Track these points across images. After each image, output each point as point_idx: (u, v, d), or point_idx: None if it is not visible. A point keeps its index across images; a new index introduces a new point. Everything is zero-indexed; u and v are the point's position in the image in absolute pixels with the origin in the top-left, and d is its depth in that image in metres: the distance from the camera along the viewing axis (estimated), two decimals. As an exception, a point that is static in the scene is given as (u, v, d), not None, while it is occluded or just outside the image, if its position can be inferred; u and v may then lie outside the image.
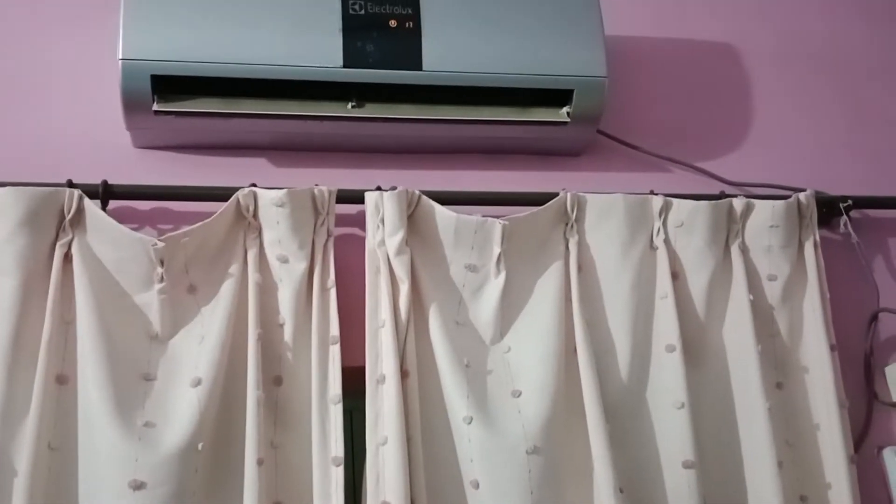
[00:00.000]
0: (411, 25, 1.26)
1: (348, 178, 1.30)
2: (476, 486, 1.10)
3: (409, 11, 1.27)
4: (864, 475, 1.24)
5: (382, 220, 1.20)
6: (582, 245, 1.27)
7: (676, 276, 1.27)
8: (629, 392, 1.20)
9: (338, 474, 1.07)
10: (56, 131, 1.29)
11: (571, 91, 1.30)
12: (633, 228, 1.27)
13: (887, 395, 1.29)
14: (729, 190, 1.36)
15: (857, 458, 1.24)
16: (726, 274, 1.29)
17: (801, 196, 1.32)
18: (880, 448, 1.27)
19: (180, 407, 1.07)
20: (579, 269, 1.25)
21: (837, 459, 1.19)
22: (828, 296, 1.27)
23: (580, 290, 1.23)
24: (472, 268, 1.23)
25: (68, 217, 1.13)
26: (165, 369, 1.12)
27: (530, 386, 1.16)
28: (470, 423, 1.12)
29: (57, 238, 1.13)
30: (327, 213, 1.21)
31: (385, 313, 1.15)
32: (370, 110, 1.27)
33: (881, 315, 1.34)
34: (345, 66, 1.23)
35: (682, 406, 1.17)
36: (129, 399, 1.07)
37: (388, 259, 1.18)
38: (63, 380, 1.08)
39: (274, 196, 1.17)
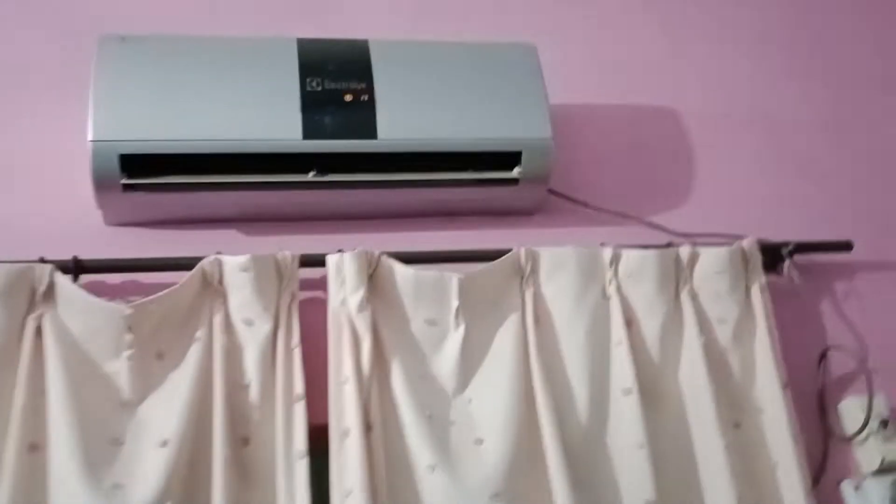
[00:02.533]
0: (366, 98, 1.34)
1: (313, 243, 1.35)
2: (442, 532, 1.12)
3: (363, 86, 1.35)
4: (828, 509, 1.27)
5: (344, 281, 1.25)
6: (537, 297, 1.32)
7: (630, 323, 1.33)
8: (589, 435, 1.24)
9: (307, 526, 1.10)
10: (28, 211, 1.35)
11: (520, 153, 1.38)
12: (585, 279, 1.33)
13: (842, 431, 1.33)
14: (676, 240, 1.42)
15: (817, 493, 1.27)
16: (678, 319, 1.34)
17: (744, 243, 1.39)
18: (838, 482, 1.30)
19: (148, 467, 1.10)
20: (536, 320, 1.30)
21: (796, 495, 1.22)
22: (777, 336, 1.33)
23: (537, 340, 1.27)
24: (431, 322, 1.28)
25: (40, 291, 1.18)
26: (134, 433, 1.15)
27: (492, 434, 1.20)
28: (433, 471, 1.15)
29: (28, 312, 1.17)
30: (291, 277, 1.26)
31: (348, 369, 1.19)
32: (330, 178, 1.34)
33: (830, 353, 1.39)
34: (304, 138, 1.30)
35: (642, 447, 1.21)
36: (99, 463, 1.09)
37: (350, 317, 1.23)
38: (34, 448, 1.10)
39: (239, 262, 1.22)
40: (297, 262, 1.27)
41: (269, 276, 1.24)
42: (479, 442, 1.20)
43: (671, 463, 1.25)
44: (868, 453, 1.30)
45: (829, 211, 1.56)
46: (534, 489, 1.18)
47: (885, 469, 1.28)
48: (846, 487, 1.29)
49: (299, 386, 1.19)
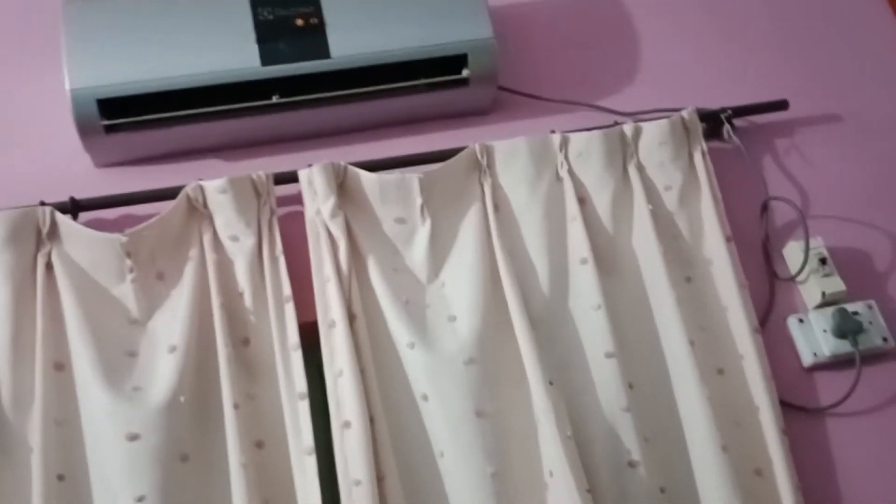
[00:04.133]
0: (315, 21, 1.45)
1: (286, 162, 1.50)
2: (425, 398, 1.28)
3: (312, 9, 1.45)
4: (775, 344, 1.41)
5: (316, 192, 1.38)
6: (495, 187, 1.44)
7: (583, 200, 1.44)
8: (551, 303, 1.37)
9: (304, 407, 1.25)
10: (23, 161, 1.49)
11: (465, 55, 1.47)
12: (538, 165, 1.44)
13: (786, 272, 1.45)
14: (621, 120, 1.53)
15: (767, 330, 1.41)
16: (627, 191, 1.46)
17: (684, 113, 1.49)
18: (785, 318, 1.42)
19: (161, 370, 1.25)
20: (495, 207, 1.42)
21: (744, 333, 1.35)
22: (720, 195, 1.44)
23: (498, 225, 1.40)
24: (400, 220, 1.41)
25: (44, 231, 1.32)
26: (146, 345, 1.30)
27: (463, 311, 1.34)
28: (413, 347, 1.30)
29: (38, 250, 1.32)
30: (268, 194, 1.39)
31: (329, 270, 1.33)
32: (292, 100, 1.45)
33: (771, 203, 1.50)
34: (263, 65, 1.42)
35: (599, 307, 1.34)
36: (118, 372, 1.25)
37: (325, 224, 1.36)
38: (59, 366, 1.26)
39: (217, 185, 1.35)
40: (271, 180, 1.39)
41: (248, 195, 1.37)
42: (453, 319, 1.34)
43: (628, 320, 1.38)
44: (810, 290, 1.42)
45: (764, 74, 1.65)
46: (504, 354, 1.32)
47: (826, 303, 1.40)
48: (792, 322, 1.41)
49: (287, 288, 1.33)
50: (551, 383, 1.28)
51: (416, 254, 1.40)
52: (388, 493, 1.21)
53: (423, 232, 1.40)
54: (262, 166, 1.43)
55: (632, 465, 1.26)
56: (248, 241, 1.35)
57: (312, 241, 1.37)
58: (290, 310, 1.31)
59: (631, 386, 1.31)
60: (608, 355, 1.31)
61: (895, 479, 1.32)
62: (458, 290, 1.36)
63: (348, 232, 1.37)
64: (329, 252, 1.34)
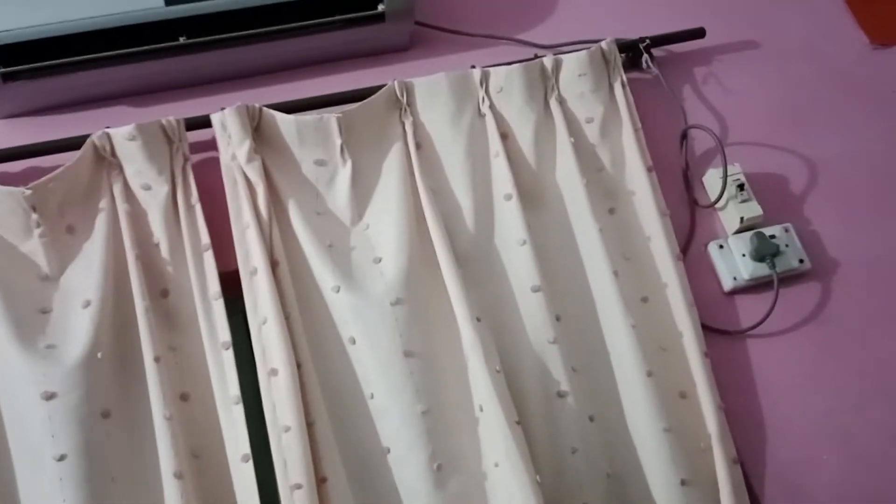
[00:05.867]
0: (221, -43, 1.38)
1: (200, 107, 1.44)
2: (353, 341, 1.27)
3: (216, -56, 1.38)
4: (697, 270, 1.43)
5: (230, 136, 1.33)
6: (417, 125, 1.42)
7: (505, 135, 1.43)
8: (477, 240, 1.37)
9: (228, 357, 1.23)
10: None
11: (380, -11, 1.44)
12: (459, 102, 1.42)
13: (706, 200, 1.47)
14: (542, 53, 1.51)
15: (689, 257, 1.43)
16: (549, 125, 1.45)
17: (603, 43, 1.48)
18: (706, 245, 1.45)
19: (76, 327, 1.21)
20: (417, 146, 1.40)
21: (667, 261, 1.37)
22: (640, 126, 1.44)
23: (421, 164, 1.38)
24: (320, 162, 1.37)
25: (-55, 188, 1.25)
26: (60, 301, 1.25)
27: (388, 252, 1.32)
28: (339, 291, 1.28)
29: (-60, 208, 1.25)
30: (180, 140, 1.34)
31: (247, 216, 1.29)
32: (200, 40, 1.39)
33: (690, 132, 1.52)
34: (167, 5, 1.35)
35: (524, 242, 1.34)
36: (31, 330, 1.21)
37: (242, 168, 1.32)
38: (-30, 328, 1.21)
39: (125, 132, 1.29)
40: (182, 126, 1.34)
41: (158, 141, 1.31)
42: (378, 260, 1.32)
43: (554, 254, 1.38)
44: (729, 216, 1.44)
45: (681, 3, 1.64)
46: (432, 292, 1.32)
47: (744, 227, 1.43)
48: (712, 248, 1.44)
49: (205, 237, 1.29)
50: (479, 320, 1.28)
51: (339, 196, 1.37)
52: (318, 438, 1.21)
53: (344, 173, 1.37)
54: (173, 112, 1.37)
55: (560, 395, 1.28)
56: (162, 190, 1.31)
57: (229, 187, 1.33)
58: (209, 259, 1.28)
59: (558, 318, 1.32)
60: (534, 289, 1.32)
61: (812, 394, 1.37)
62: (382, 231, 1.35)
63: (266, 176, 1.33)
64: (247, 198, 1.30)
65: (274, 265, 1.28)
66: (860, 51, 1.66)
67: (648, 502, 1.26)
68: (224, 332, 1.24)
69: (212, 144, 1.38)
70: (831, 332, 1.41)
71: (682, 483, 1.25)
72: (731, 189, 1.43)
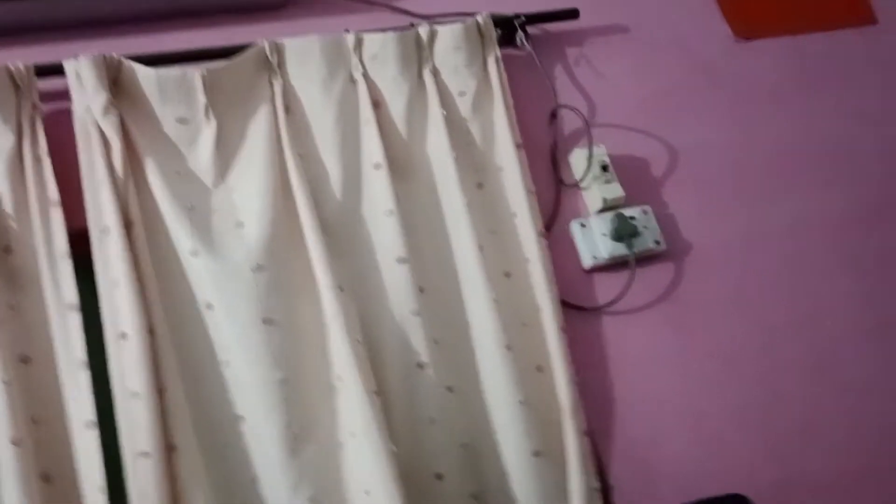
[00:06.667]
0: None
1: (53, 53, 1.34)
2: (210, 307, 1.23)
3: None
4: (559, 248, 1.46)
5: (85, 87, 1.26)
6: (286, 87, 1.38)
7: (377, 104, 1.41)
8: (344, 209, 1.35)
9: (74, 319, 1.17)
10: None
11: (254, -57, 1.38)
12: (331, 66, 1.39)
13: (571, 179, 1.50)
14: (418, 22, 1.50)
15: (552, 234, 1.46)
16: (422, 96, 1.44)
17: (479, 17, 1.48)
18: (569, 223, 1.49)
19: None
20: (286, 109, 1.36)
21: (530, 237, 1.39)
22: (511, 102, 1.46)
23: (289, 128, 1.35)
24: (182, 120, 1.32)
25: None
26: None
27: (251, 217, 1.29)
28: (196, 255, 1.24)
29: None
30: (29, 88, 1.26)
31: (101, 172, 1.23)
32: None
33: (559, 111, 1.55)
34: (17, -59, 1.26)
35: (392, 213, 1.33)
36: None
37: (97, 122, 1.25)
38: None
39: (-34, 76, 1.20)
40: (32, 72, 1.26)
41: (4, 88, 1.23)
42: (240, 225, 1.29)
43: (421, 225, 1.38)
44: (592, 196, 1.48)
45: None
46: (295, 260, 1.29)
47: (606, 208, 1.47)
48: (574, 226, 1.48)
49: (53, 192, 1.22)
50: (342, 289, 1.26)
51: (201, 157, 1.33)
52: (170, 405, 1.17)
53: (207, 133, 1.32)
54: (22, 57, 1.28)
55: (420, 366, 1.29)
56: (7, 140, 1.22)
57: (82, 140, 1.26)
58: (56, 215, 1.21)
59: (421, 290, 1.33)
60: (400, 260, 1.32)
61: (661, 372, 1.43)
62: (246, 195, 1.31)
63: (124, 132, 1.27)
64: (101, 153, 1.24)
65: (128, 225, 1.22)
66: (725, 43, 1.73)
67: (501, 472, 1.29)
68: (70, 293, 1.18)
69: (65, 94, 1.30)
70: (682, 312, 1.48)
71: (535, 454, 1.28)
72: (596, 169, 1.47)
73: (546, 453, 1.30)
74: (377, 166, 1.36)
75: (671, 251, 1.51)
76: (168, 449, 1.14)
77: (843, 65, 1.75)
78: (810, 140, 1.65)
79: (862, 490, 1.41)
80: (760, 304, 1.51)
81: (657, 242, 1.48)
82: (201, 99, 1.31)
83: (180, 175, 1.31)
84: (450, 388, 1.31)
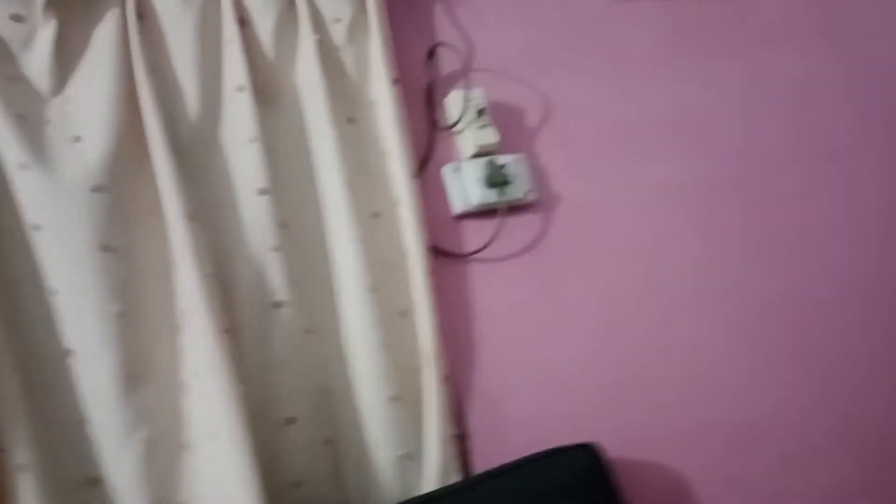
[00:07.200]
0: None
1: None
2: (38, 228, 1.10)
3: None
4: (430, 191, 1.42)
5: None
6: (142, -7, 1.25)
7: (243, 21, 1.30)
8: (200, 131, 1.24)
9: None
10: None
11: None
12: (194, -26, 1.27)
13: (446, 121, 1.45)
14: (293, -65, 1.39)
15: (424, 177, 1.41)
16: (292, 18, 1.34)
17: (359, -59, 1.39)
18: (441, 167, 1.44)
19: None
20: (139, 16, 1.23)
21: (401, 179, 1.34)
22: (388, 34, 1.38)
23: (142, 38, 1.22)
24: (17, 18, 1.17)
25: None
26: None
27: (92, 131, 1.16)
28: (26, 168, 1.10)
29: None
30: None
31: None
32: None
33: (438, 51, 1.49)
34: None
35: (254, 140, 1.24)
36: None
37: None
38: None
39: None
40: None
41: None
42: (78, 140, 1.15)
43: (286, 156, 1.29)
44: (466, 140, 1.44)
45: None
46: (140, 184, 1.18)
47: (479, 154, 1.43)
48: (447, 170, 1.43)
49: None
50: (193, 218, 1.16)
51: (37, 60, 1.18)
52: (-15, 334, 1.04)
53: (45, 34, 1.17)
54: None
55: (277, 305, 1.21)
56: None
57: None
58: None
59: (283, 225, 1.25)
60: (261, 192, 1.23)
61: (520, 321, 1.42)
62: (87, 107, 1.18)
63: (-57, 25, 1.11)
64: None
65: (-56, 130, 1.07)
66: (605, 2, 1.71)
67: (355, 416, 1.24)
68: None
69: None
70: (544, 263, 1.47)
71: (392, 399, 1.24)
72: (471, 113, 1.42)
73: (403, 399, 1.26)
74: (240, 89, 1.25)
75: (540, 203, 1.49)
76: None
77: (713, 33, 1.78)
78: (678, 107, 1.67)
79: (702, 440, 1.47)
80: (615, 262, 1.52)
81: (527, 192, 1.45)
82: (39, -4, 1.16)
83: (11, 80, 1.15)
84: (308, 330, 1.25)
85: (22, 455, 1.03)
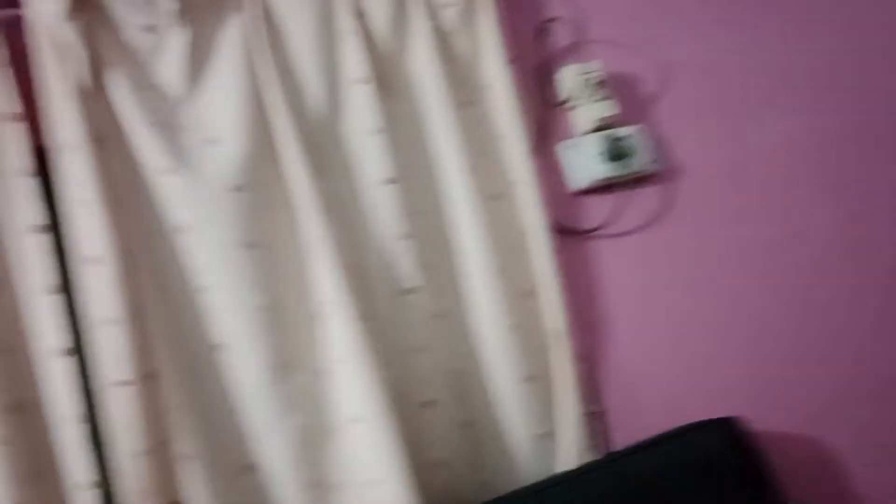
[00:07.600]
0: None
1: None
2: (184, 229, 1.16)
3: None
4: (548, 169, 1.41)
5: (42, -9, 1.15)
6: (263, -4, 1.28)
7: (361, 14, 1.32)
8: (325, 125, 1.27)
9: (42, 239, 1.09)
10: None
11: None
12: (309, -28, 1.30)
13: (560, 97, 1.43)
14: (401, -73, 1.39)
15: (541, 156, 1.41)
16: (406, 6, 1.35)
17: (466, -76, 1.38)
18: (557, 144, 1.42)
19: None
20: (261, 18, 1.26)
21: (518, 159, 1.34)
22: (500, 15, 1.38)
23: (264, 39, 1.25)
24: (150, 28, 1.22)
25: None
26: None
27: (225, 133, 1.21)
28: (168, 174, 1.16)
29: None
30: (-21, -8, 1.15)
31: (62, 84, 1.13)
32: None
33: (549, 26, 1.47)
34: None
35: (377, 132, 1.26)
36: None
37: (57, 28, 1.15)
38: None
39: None
40: (-19, -26, 1.15)
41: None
42: (213, 142, 1.21)
43: (406, 145, 1.32)
44: (582, 116, 1.41)
45: None
46: (273, 181, 1.22)
47: (598, 127, 1.41)
48: (564, 147, 1.41)
49: (15, 105, 1.12)
50: (325, 211, 1.20)
51: (169, 68, 1.23)
52: (145, 332, 1.11)
53: (177, 43, 1.23)
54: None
55: (408, 292, 1.24)
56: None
57: (41, 50, 1.15)
58: (18, 131, 1.12)
59: (410, 213, 1.27)
60: (387, 182, 1.25)
61: (651, 296, 1.40)
62: (219, 109, 1.22)
63: (85, 40, 1.17)
64: (62, 63, 1.14)
65: (97, 141, 1.13)
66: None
67: (491, 397, 1.26)
68: (37, 216, 1.10)
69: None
70: (673, 235, 1.44)
71: (526, 379, 1.25)
72: (588, 87, 1.40)
73: (537, 378, 1.27)
74: (360, 81, 1.28)
75: (665, 173, 1.46)
76: (145, 377, 1.09)
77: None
78: (803, 61, 1.60)
79: (849, 410, 1.41)
80: (747, 228, 1.47)
81: (650, 163, 1.42)
82: (169, 6, 1.21)
83: (146, 88, 1.22)
84: (437, 315, 1.27)
85: (186, 445, 1.10)
